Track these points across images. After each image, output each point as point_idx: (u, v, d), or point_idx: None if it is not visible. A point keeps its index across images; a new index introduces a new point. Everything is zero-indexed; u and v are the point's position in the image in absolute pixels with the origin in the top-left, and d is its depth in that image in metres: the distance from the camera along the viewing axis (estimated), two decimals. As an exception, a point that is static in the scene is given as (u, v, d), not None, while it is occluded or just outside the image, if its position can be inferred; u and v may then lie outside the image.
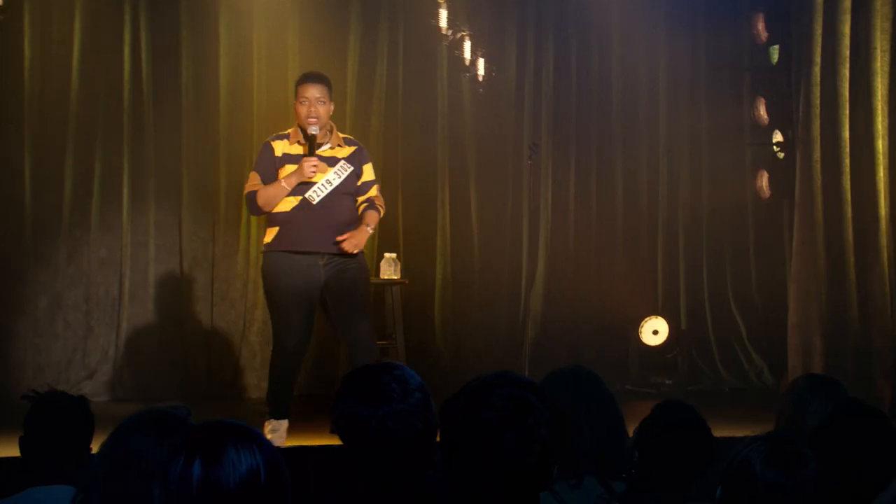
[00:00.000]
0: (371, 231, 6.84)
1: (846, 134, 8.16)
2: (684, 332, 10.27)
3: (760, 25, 8.86)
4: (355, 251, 6.70)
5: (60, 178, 9.03)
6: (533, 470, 2.45)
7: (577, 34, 10.31)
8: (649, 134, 10.49)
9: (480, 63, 9.14)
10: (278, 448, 2.28)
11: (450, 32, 9.01)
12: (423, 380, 3.24)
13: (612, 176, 10.45)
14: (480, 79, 9.22)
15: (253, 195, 6.70)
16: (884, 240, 8.15)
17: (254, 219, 9.46)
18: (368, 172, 6.92)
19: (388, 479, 2.89)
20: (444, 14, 8.94)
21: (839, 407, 3.43)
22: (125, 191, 9.19)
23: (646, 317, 10.08)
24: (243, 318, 9.49)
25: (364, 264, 6.87)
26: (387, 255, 8.45)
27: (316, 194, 6.63)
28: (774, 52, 9.41)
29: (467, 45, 9.05)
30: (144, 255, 9.28)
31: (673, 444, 3.40)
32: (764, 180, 9.00)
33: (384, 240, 9.49)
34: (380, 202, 6.94)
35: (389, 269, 8.19)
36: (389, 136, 9.78)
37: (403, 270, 9.52)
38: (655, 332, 10.05)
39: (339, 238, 6.64)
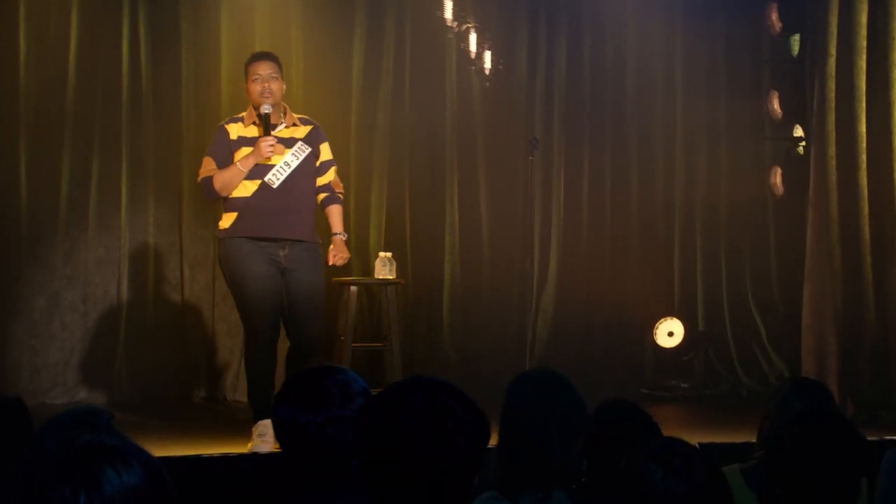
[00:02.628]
0: (346, 237, 6.94)
1: (862, 128, 8.05)
2: (701, 333, 10.18)
3: (774, 16, 8.76)
4: (342, 263, 6.85)
5: (57, 176, 9.02)
6: (452, 480, 2.38)
7: (591, 26, 10.25)
8: (666, 129, 10.42)
9: (487, 56, 9.08)
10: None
11: (455, 24, 8.95)
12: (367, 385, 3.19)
13: (627, 172, 10.38)
14: (487, 72, 9.16)
15: (209, 180, 6.72)
16: (902, 238, 8.04)
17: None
18: (326, 152, 6.96)
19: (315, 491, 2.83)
20: (449, 5, 8.88)
21: (798, 415, 3.34)
22: (124, 189, 9.17)
23: (661, 318, 9.99)
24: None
25: (320, 259, 6.85)
26: (381, 254, 8.38)
27: (275, 177, 6.63)
28: (795, 44, 9.32)
29: (473, 37, 9.00)
30: (144, 255, 9.26)
31: (619, 447, 3.32)
32: (777, 177, 8.89)
33: (390, 239, 9.45)
34: (339, 189, 7.00)
35: (384, 268, 8.11)
36: (396, 131, 9.73)
37: (411, 270, 9.48)
38: (671, 334, 9.96)
39: (331, 262, 6.78)
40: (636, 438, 3.43)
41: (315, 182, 6.85)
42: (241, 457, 5.98)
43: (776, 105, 8.85)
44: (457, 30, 8.95)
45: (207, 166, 6.79)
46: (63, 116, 9.02)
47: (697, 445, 3.16)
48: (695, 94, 10.36)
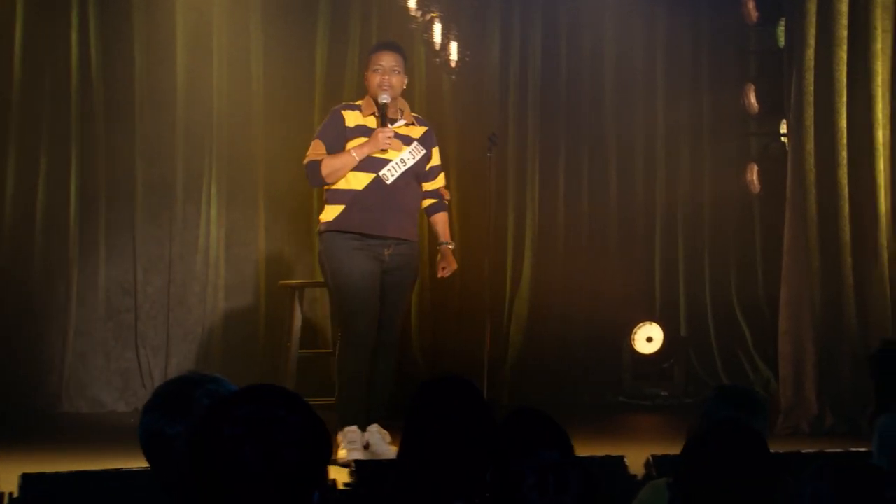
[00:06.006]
0: (453, 246, 6.92)
1: (843, 123, 7.96)
2: (684, 339, 10.11)
3: (751, 4, 8.68)
4: (449, 275, 6.88)
5: (2, 174, 8.94)
6: (283, 495, 2.32)
7: (568, 16, 10.19)
8: (646, 124, 10.37)
9: (453, 47, 9.01)
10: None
11: (420, 14, 8.88)
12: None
13: (606, 169, 10.34)
14: (453, 65, 9.08)
15: (317, 164, 6.57)
16: (883, 238, 7.96)
17: (214, 217, 9.41)
18: (436, 156, 6.92)
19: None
20: (415, -7, 8.83)
21: (706, 428, 3.29)
22: (73, 187, 9.10)
23: (639, 322, 9.92)
24: (202, 323, 9.39)
25: (419, 262, 6.89)
26: None
27: (390, 173, 6.56)
28: (781, 34, 9.21)
29: (437, 27, 8.92)
30: (94, 257, 9.21)
31: (525, 460, 3.25)
32: (754, 174, 8.83)
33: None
34: (447, 196, 6.99)
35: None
36: (361, 127, 9.65)
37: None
38: (649, 340, 9.90)
39: (440, 275, 6.84)
40: (543, 447, 3.37)
41: (422, 185, 6.79)
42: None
43: (753, 99, 8.78)
44: (421, 19, 8.88)
45: (317, 149, 6.62)
46: (8, 111, 8.94)
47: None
48: (676, 87, 10.31)
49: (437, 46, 9.05)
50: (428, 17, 8.93)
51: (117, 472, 4.59)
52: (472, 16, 9.77)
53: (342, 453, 6.40)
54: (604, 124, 10.31)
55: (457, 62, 9.16)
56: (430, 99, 9.76)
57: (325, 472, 2.43)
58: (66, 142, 9.09)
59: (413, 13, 8.89)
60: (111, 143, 9.20)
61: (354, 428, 6.52)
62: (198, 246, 9.42)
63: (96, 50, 9.13)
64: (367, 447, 6.57)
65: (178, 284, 9.42)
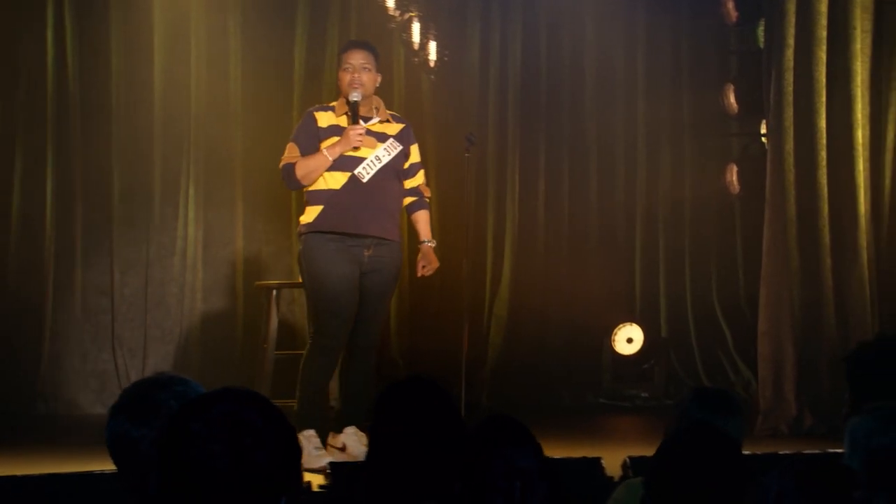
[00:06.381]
0: (434, 244, 6.86)
1: (822, 123, 7.96)
2: (664, 339, 10.11)
3: (731, 4, 8.68)
4: (430, 273, 6.84)
5: (-23, 174, 8.93)
6: (251, 498, 2.31)
7: (548, 16, 10.17)
8: (627, 124, 10.36)
9: (432, 47, 9.00)
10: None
11: (398, 13, 8.87)
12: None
13: (586, 169, 10.33)
14: (432, 64, 9.08)
15: (291, 167, 6.57)
16: (863, 239, 7.96)
17: (191, 218, 9.38)
18: (415, 154, 6.88)
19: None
20: (393, -7, 8.82)
21: (677, 430, 3.28)
22: (49, 188, 9.07)
23: (619, 323, 9.92)
24: (179, 325, 9.37)
25: (401, 263, 6.86)
26: None
27: (365, 171, 6.53)
28: (762, 34, 9.22)
29: (416, 27, 8.91)
30: (70, 258, 9.17)
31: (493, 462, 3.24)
32: (734, 174, 8.83)
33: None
34: (427, 193, 6.94)
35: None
36: (340, 127, 9.64)
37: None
38: (630, 340, 9.90)
39: (420, 274, 6.79)
40: (511, 453, 3.36)
41: (402, 183, 6.77)
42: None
43: (732, 99, 8.79)
44: (399, 19, 8.87)
45: (291, 153, 6.62)
46: (-18, 111, 8.94)
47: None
48: (657, 87, 10.30)
49: (416, 46, 9.05)
50: (406, 16, 8.93)
51: (87, 474, 4.57)
52: (451, 15, 9.76)
53: (313, 461, 6.36)
54: (584, 124, 10.30)
55: (436, 62, 9.16)
56: (409, 99, 9.75)
57: (294, 478, 2.42)
58: (41, 143, 9.06)
59: (391, 13, 8.88)
60: (88, 143, 9.16)
61: (313, 433, 6.49)
62: (175, 247, 9.40)
63: (72, 49, 9.10)
64: (343, 449, 6.56)
65: (156, 285, 9.39)
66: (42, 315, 9.02)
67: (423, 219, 6.89)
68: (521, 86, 10.16)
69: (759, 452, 5.75)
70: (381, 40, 9.58)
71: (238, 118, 9.39)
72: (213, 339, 9.33)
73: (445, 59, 9.17)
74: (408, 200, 6.86)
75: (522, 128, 10.16)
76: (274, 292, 7.84)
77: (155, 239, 9.38)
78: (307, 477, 5.48)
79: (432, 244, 6.85)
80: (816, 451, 5.88)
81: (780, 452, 5.80)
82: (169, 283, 9.40)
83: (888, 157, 8.13)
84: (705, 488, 3.04)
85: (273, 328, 7.84)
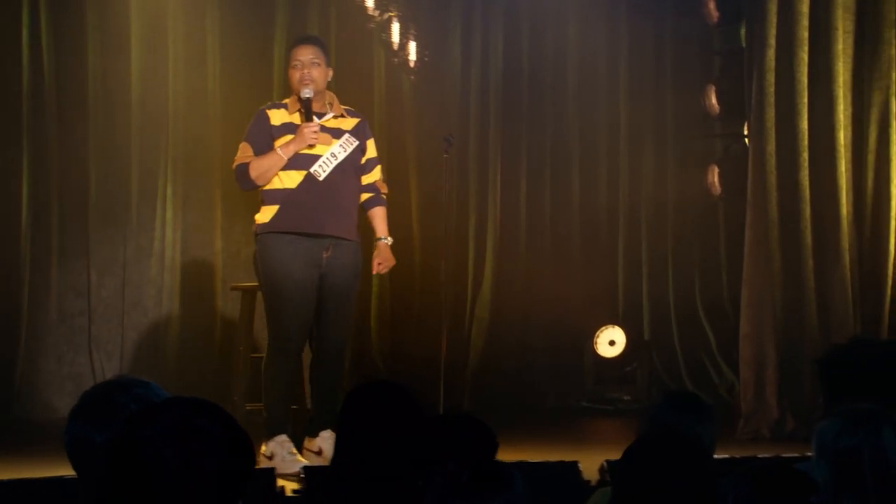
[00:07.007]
0: (391, 242, 6.79)
1: (804, 124, 7.95)
2: (647, 342, 10.10)
3: (712, 4, 8.67)
4: (386, 271, 6.85)
5: (-50, 175, 8.88)
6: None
7: (530, 16, 10.16)
8: (609, 125, 10.36)
9: (412, 47, 8.98)
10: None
11: (377, 13, 8.85)
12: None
13: (568, 170, 10.33)
14: (412, 64, 9.06)
15: (244, 167, 6.51)
16: (845, 241, 7.94)
17: (170, 219, 9.35)
18: (372, 149, 6.80)
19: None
20: (373, -8, 8.80)
21: (644, 435, 3.27)
22: (24, 188, 9.02)
23: (602, 326, 9.90)
24: (157, 327, 9.33)
25: (360, 263, 6.71)
26: None
27: (321, 169, 6.46)
28: (744, 34, 9.21)
29: (396, 26, 8.89)
30: (46, 259, 9.12)
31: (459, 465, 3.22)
32: (715, 176, 8.83)
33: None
34: (384, 189, 6.87)
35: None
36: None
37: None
38: (612, 343, 9.88)
39: (375, 271, 6.76)
40: (475, 456, 3.35)
41: (359, 179, 6.70)
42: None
43: (714, 100, 8.78)
44: (379, 19, 8.85)
45: (244, 152, 6.54)
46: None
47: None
48: (639, 88, 10.30)
49: (396, 46, 9.04)
50: (386, 16, 8.91)
51: (60, 479, 4.53)
52: (431, 15, 9.74)
53: (287, 465, 6.32)
54: (566, 125, 10.29)
55: (416, 62, 9.16)
56: (389, 99, 9.74)
57: (246, 487, 2.40)
58: (17, 142, 9.00)
59: (371, 12, 8.87)
60: (64, 143, 9.11)
61: (285, 437, 6.45)
62: (153, 248, 9.36)
63: (48, 48, 9.04)
64: (319, 453, 6.53)
65: (133, 287, 9.34)
66: (18, 317, 8.97)
67: (379, 215, 6.80)
68: (503, 86, 10.15)
69: (738, 456, 5.73)
70: (360, 39, 9.62)
71: (216, 119, 9.35)
72: (190, 341, 9.29)
73: (426, 59, 9.16)
74: (364, 196, 6.77)
75: (504, 128, 10.15)
76: (250, 294, 7.80)
77: (132, 240, 9.33)
78: (280, 482, 5.47)
79: (389, 241, 6.78)
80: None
81: (760, 456, 5.77)
82: (146, 284, 9.36)
83: (870, 158, 8.10)
84: (670, 494, 3.02)
85: (250, 330, 7.81)
